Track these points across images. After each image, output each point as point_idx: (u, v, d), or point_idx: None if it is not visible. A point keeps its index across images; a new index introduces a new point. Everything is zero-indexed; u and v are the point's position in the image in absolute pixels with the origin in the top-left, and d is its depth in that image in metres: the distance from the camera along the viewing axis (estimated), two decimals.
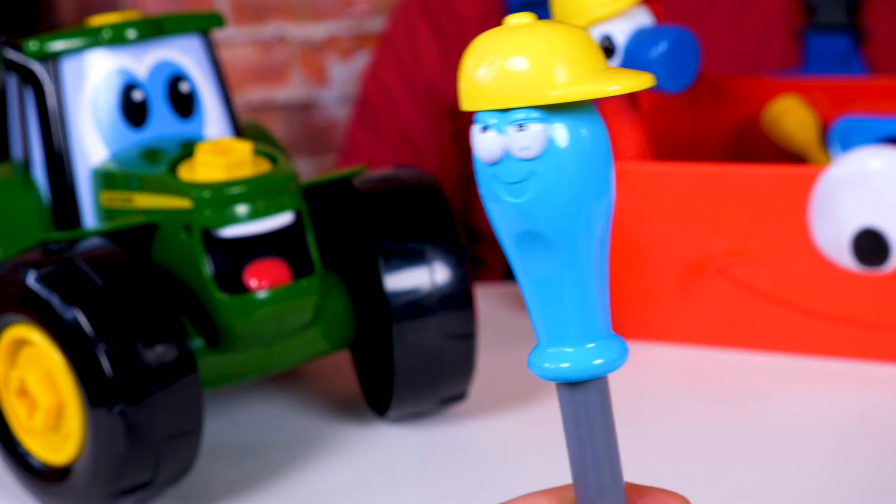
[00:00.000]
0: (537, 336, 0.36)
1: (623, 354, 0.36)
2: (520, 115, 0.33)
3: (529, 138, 0.33)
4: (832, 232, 0.70)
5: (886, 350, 0.72)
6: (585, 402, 0.36)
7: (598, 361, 0.35)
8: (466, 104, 0.34)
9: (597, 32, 0.71)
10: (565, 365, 0.35)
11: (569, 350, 0.35)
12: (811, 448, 0.64)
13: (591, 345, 0.35)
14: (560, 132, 0.33)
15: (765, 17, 1.04)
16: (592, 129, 0.34)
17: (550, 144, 0.33)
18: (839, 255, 0.71)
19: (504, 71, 0.33)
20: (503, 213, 0.34)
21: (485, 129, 0.34)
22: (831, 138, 0.84)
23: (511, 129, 0.33)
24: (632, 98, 0.76)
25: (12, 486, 0.62)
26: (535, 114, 0.33)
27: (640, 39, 0.70)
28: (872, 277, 0.71)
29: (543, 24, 0.34)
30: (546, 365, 0.36)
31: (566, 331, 0.35)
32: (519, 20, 0.34)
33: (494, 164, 0.34)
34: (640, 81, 0.33)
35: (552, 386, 0.72)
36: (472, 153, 0.35)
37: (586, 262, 0.35)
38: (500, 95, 0.33)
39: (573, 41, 0.33)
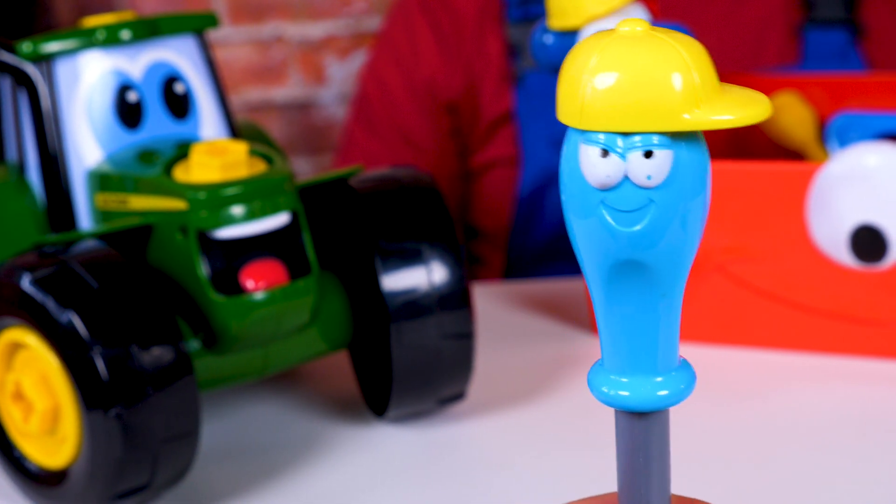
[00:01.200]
0: (603, 355, 0.34)
1: (690, 384, 0.34)
2: (649, 140, 0.30)
3: (656, 166, 0.30)
4: (830, 228, 0.70)
5: (884, 346, 0.72)
6: (645, 433, 0.34)
7: (662, 392, 0.33)
8: (584, 122, 0.31)
9: (592, 30, 0.71)
10: (625, 393, 0.33)
11: (631, 379, 0.33)
12: (810, 445, 0.64)
13: (660, 378, 0.33)
14: (682, 160, 0.31)
15: (762, 12, 1.04)
16: (704, 158, 0.31)
17: (672, 173, 0.31)
18: (837, 251, 0.71)
19: (636, 90, 0.30)
20: (604, 240, 0.31)
21: (605, 153, 0.30)
22: (829, 134, 0.84)
23: (635, 155, 0.30)
24: None
25: (9, 490, 0.62)
26: (663, 139, 0.30)
27: None
28: (870, 274, 0.71)
29: (662, 35, 0.31)
30: (604, 389, 0.33)
31: (644, 361, 0.33)
32: (632, 28, 0.31)
33: (606, 189, 0.31)
34: (765, 107, 0.30)
35: (551, 386, 0.72)
36: (571, 171, 0.32)
37: (679, 291, 0.32)
38: (631, 118, 0.30)
39: (699, 58, 0.30)
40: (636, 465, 0.35)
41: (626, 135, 0.30)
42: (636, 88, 0.30)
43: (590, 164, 0.31)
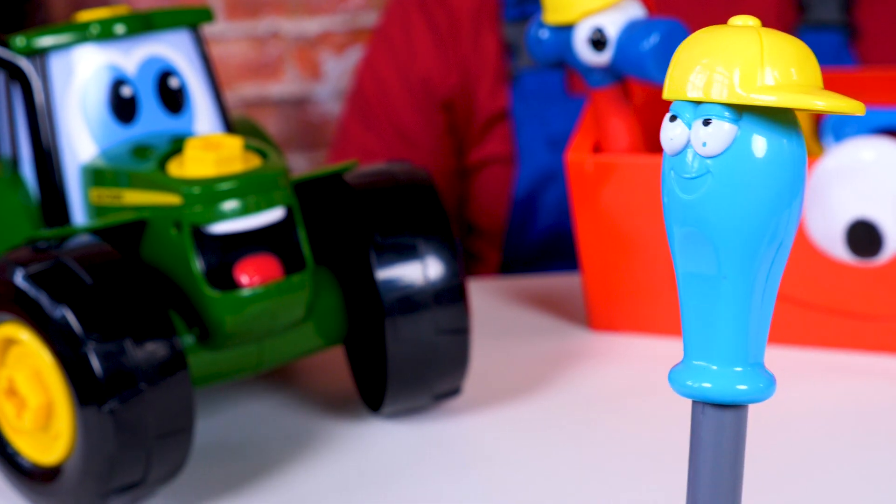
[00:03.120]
0: (685, 348, 0.35)
1: (770, 387, 0.35)
2: (709, 109, 0.33)
3: (711, 134, 0.33)
4: (825, 223, 0.70)
5: (880, 341, 0.72)
6: (719, 428, 0.35)
7: (741, 387, 0.35)
8: (665, 92, 0.34)
9: (588, 25, 0.71)
10: (707, 385, 0.35)
11: (713, 367, 0.34)
12: (805, 440, 0.64)
13: (738, 368, 0.34)
14: (746, 138, 0.33)
15: (757, 12, 1.04)
16: (783, 145, 0.33)
17: (733, 147, 0.33)
18: (832, 246, 0.70)
19: (706, 65, 0.33)
20: (673, 207, 0.34)
21: (673, 118, 0.34)
22: (824, 130, 0.84)
23: (697, 123, 0.33)
24: (625, 91, 0.75)
25: (2, 487, 0.61)
26: (727, 113, 0.33)
27: (632, 32, 0.70)
28: (866, 269, 0.71)
29: (767, 30, 0.33)
30: (688, 382, 0.35)
31: (712, 346, 0.34)
32: (744, 21, 0.34)
33: (675, 155, 0.34)
34: (850, 105, 0.32)
35: (547, 381, 0.72)
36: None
37: (746, 279, 0.33)
38: (692, 87, 0.33)
39: (790, 52, 0.33)
40: (706, 464, 0.36)
41: (696, 104, 0.33)
42: (710, 63, 0.33)
43: (662, 129, 0.34)
